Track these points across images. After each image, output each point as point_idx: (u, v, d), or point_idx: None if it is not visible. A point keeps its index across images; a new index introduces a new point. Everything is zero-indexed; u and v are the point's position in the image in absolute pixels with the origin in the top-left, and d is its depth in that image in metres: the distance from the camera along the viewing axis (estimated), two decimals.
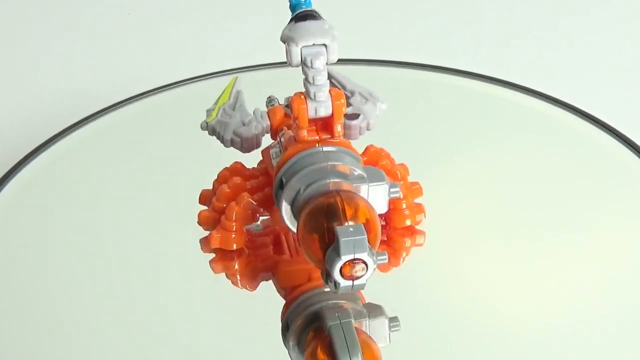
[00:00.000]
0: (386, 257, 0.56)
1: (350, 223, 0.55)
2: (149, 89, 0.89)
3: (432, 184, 0.70)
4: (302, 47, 0.58)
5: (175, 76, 0.91)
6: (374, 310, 0.61)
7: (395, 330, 0.60)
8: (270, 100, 0.68)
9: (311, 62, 0.58)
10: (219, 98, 0.69)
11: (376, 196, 0.60)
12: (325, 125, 0.61)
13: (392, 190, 0.61)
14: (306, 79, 0.59)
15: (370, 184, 0.60)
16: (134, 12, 1.16)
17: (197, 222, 0.69)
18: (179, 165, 0.80)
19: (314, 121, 0.61)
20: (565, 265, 0.69)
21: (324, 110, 0.60)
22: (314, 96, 0.59)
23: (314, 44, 0.58)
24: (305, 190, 0.59)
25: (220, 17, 1.16)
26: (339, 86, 0.67)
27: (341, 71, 0.69)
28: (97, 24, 1.15)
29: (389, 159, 0.69)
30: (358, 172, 0.60)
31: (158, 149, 0.83)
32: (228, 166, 0.69)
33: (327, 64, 0.59)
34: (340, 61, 0.60)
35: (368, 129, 0.65)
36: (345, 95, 0.65)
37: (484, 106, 0.88)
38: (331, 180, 0.59)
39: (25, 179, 0.78)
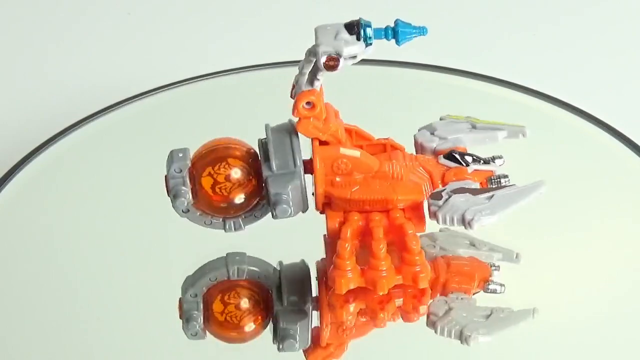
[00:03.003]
0: None
1: None
2: (149, 89, 0.89)
3: None
4: (314, 45, 0.61)
5: (175, 76, 0.91)
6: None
7: None
8: None
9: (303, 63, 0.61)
10: None
11: None
12: None
13: None
14: None
15: None
16: (134, 12, 1.16)
17: None
18: None
19: None
20: (565, 265, 0.69)
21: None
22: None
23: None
24: None
25: (220, 17, 1.16)
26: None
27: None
28: (97, 24, 1.15)
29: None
30: None
31: (158, 149, 0.83)
32: None
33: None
34: None
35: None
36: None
37: (484, 106, 0.87)
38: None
39: (25, 179, 0.78)
